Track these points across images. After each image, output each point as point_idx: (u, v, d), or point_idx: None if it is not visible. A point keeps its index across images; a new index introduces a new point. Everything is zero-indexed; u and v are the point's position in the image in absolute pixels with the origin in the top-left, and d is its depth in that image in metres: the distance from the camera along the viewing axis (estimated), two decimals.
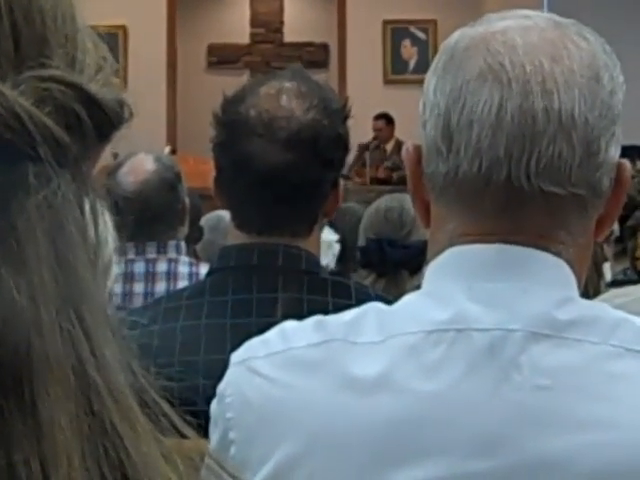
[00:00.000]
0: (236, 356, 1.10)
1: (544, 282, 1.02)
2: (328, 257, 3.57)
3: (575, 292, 1.04)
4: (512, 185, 1.01)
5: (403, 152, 1.11)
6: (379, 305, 1.07)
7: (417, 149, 1.08)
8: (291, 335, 1.07)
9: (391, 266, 3.03)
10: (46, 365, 0.42)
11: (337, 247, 4.12)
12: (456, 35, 1.08)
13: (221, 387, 1.10)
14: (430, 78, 1.07)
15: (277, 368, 1.05)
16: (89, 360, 0.44)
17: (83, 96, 0.44)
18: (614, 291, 2.45)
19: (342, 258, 3.95)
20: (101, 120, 0.45)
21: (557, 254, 1.03)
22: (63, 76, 0.44)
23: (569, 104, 1.00)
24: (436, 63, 1.07)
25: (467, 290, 1.02)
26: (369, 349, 1.02)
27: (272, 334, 1.09)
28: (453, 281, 1.03)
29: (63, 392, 0.43)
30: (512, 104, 1.00)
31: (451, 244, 1.05)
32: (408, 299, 1.06)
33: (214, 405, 1.10)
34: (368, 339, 1.02)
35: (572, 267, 1.04)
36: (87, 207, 0.46)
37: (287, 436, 1.02)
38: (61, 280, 0.44)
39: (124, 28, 10.42)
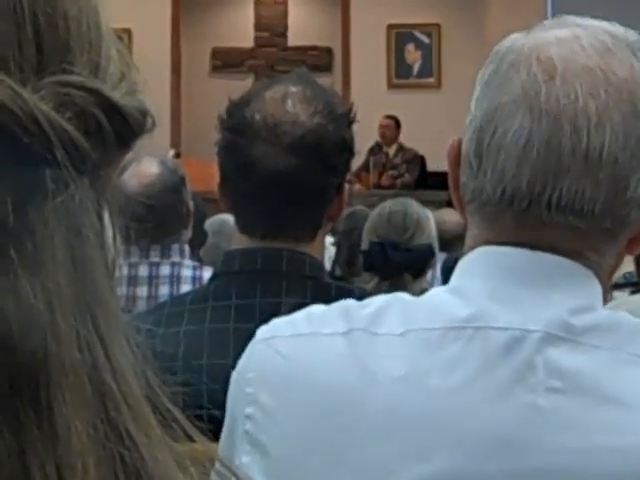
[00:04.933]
0: (261, 332, 1.10)
1: (569, 290, 1.02)
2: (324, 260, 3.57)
3: (599, 302, 1.04)
4: (533, 214, 1.02)
5: (448, 148, 1.11)
6: (405, 296, 1.08)
7: (461, 143, 1.09)
8: (317, 320, 1.08)
9: (394, 269, 3.04)
10: (62, 370, 0.42)
11: (332, 250, 4.13)
12: (507, 44, 1.07)
13: (243, 361, 1.10)
14: (477, 83, 1.08)
15: (299, 350, 1.06)
16: (104, 366, 0.44)
17: (104, 103, 0.44)
18: (625, 298, 2.46)
19: (337, 261, 3.96)
20: (122, 128, 0.45)
21: (587, 267, 1.04)
22: (84, 82, 0.44)
23: (598, 143, 0.99)
24: (484, 69, 1.08)
25: (491, 290, 1.02)
26: (389, 341, 1.02)
27: (299, 316, 1.10)
28: (479, 280, 1.04)
29: (79, 398, 0.43)
30: (539, 139, 1.00)
31: (475, 247, 1.07)
32: (433, 293, 1.08)
33: (234, 378, 1.11)
34: (389, 331, 1.03)
35: (601, 280, 1.05)
36: (105, 214, 0.46)
37: (302, 420, 1.02)
38: (77, 285, 0.43)
39: (128, 31, 10.43)
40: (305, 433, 1.02)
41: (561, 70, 1.01)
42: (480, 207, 1.06)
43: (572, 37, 1.04)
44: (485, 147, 1.03)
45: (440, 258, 3.65)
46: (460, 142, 1.09)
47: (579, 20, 1.07)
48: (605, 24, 1.07)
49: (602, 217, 1.01)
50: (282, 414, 1.04)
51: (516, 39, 1.07)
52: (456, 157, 1.09)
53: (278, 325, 1.10)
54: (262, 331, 1.11)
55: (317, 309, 1.10)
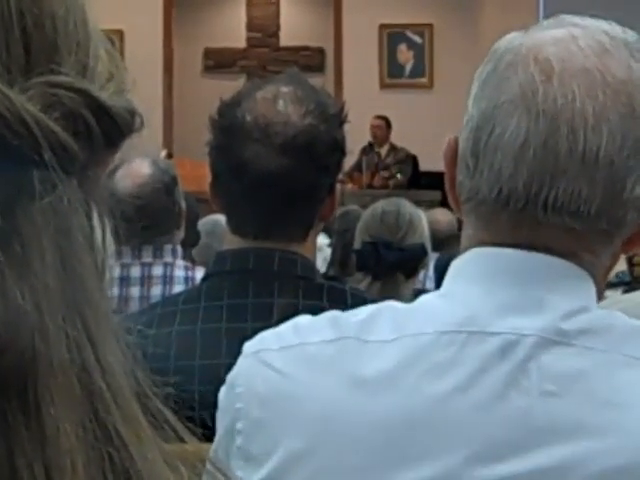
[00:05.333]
0: (249, 347, 1.10)
1: (563, 291, 1.02)
2: (318, 261, 3.58)
3: (593, 302, 1.04)
4: (529, 214, 1.01)
5: (445, 146, 1.11)
6: (394, 304, 1.08)
7: (458, 142, 1.09)
8: (305, 330, 1.07)
9: (387, 269, 3.04)
10: (51, 371, 0.42)
11: (328, 251, 4.13)
12: (505, 43, 1.07)
13: (232, 376, 1.10)
14: (475, 81, 1.08)
15: (289, 362, 1.05)
16: (94, 367, 0.44)
17: (92, 103, 0.44)
18: (618, 297, 2.46)
19: (333, 262, 3.96)
20: (110, 128, 0.45)
21: (582, 267, 1.03)
22: (72, 82, 0.44)
23: (595, 145, 0.99)
24: (482, 68, 1.08)
25: (484, 293, 1.02)
26: (380, 347, 1.02)
27: (286, 328, 1.09)
28: (473, 282, 1.04)
29: (68, 398, 0.43)
30: (536, 140, 1.00)
31: (470, 247, 1.07)
32: (425, 299, 1.07)
33: (223, 394, 1.10)
34: (380, 337, 1.02)
35: (595, 280, 1.05)
36: (95, 214, 0.46)
37: (293, 431, 1.02)
38: (66, 286, 0.43)
39: (121, 32, 10.42)
40: (298, 444, 1.01)
41: (559, 71, 1.01)
42: (476, 207, 1.05)
43: (570, 37, 1.04)
44: (482, 146, 1.03)
45: (433, 258, 3.65)
46: (457, 141, 1.09)
47: (577, 20, 1.07)
48: (603, 24, 1.07)
49: (598, 218, 1.01)
50: (273, 426, 1.04)
51: (514, 38, 1.07)
52: (453, 156, 1.09)
53: (265, 338, 1.09)
54: (249, 345, 1.10)
55: (304, 319, 1.10)
